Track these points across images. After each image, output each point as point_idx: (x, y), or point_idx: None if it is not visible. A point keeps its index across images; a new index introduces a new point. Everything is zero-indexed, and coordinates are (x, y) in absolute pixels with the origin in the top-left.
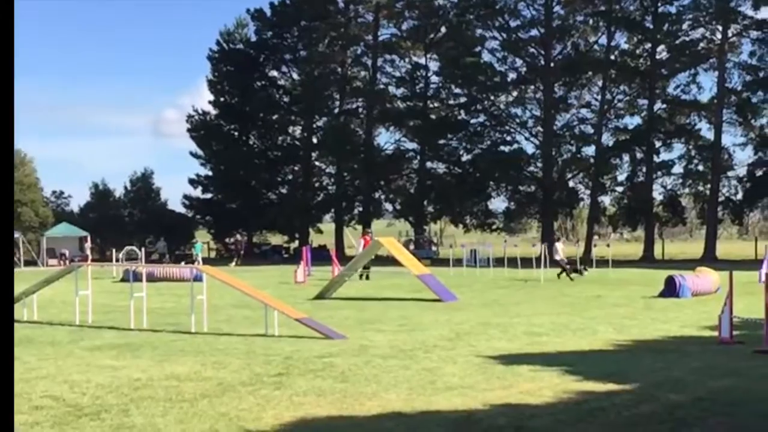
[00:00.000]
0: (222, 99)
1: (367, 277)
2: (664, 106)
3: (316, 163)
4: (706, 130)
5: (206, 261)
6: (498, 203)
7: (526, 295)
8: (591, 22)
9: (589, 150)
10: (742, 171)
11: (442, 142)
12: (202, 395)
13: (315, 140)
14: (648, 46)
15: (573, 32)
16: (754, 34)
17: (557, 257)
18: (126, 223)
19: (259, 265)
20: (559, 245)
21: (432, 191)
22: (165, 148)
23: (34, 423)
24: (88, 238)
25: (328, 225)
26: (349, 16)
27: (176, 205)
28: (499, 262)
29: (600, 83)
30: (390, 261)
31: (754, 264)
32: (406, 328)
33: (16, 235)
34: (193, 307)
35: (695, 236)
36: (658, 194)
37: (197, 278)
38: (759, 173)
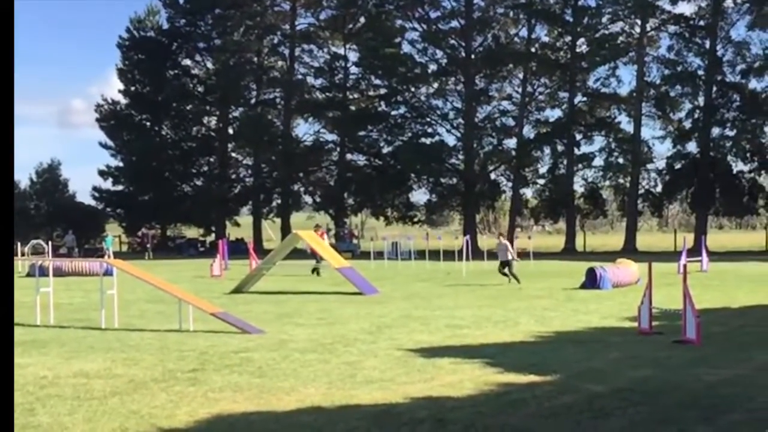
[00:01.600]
0: (133, 88)
1: (318, 273)
2: (585, 99)
3: (233, 154)
4: (626, 123)
5: (117, 255)
6: (419, 195)
7: (448, 287)
8: (511, 14)
9: (511, 142)
10: (661, 164)
11: (362, 133)
12: (113, 393)
13: (231, 131)
14: (568, 39)
15: (493, 24)
16: (672, 28)
17: (509, 257)
18: (32, 215)
19: (173, 259)
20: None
21: (352, 183)
22: (72, 138)
23: None
24: None
25: (245, 218)
26: (266, 5)
27: (85, 197)
28: (421, 254)
29: (521, 76)
30: (309, 254)
31: (674, 255)
32: (326, 321)
33: None
34: (104, 302)
35: (616, 228)
36: (579, 186)
37: (108, 272)
38: (678, 166)
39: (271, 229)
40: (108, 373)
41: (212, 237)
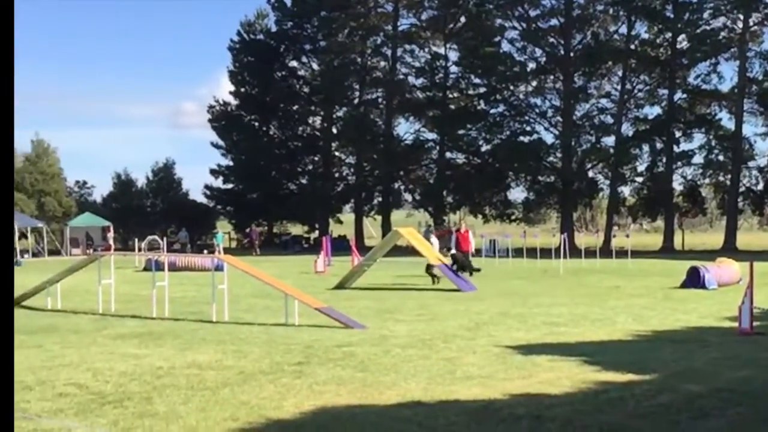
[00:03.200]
0: (242, 89)
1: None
2: (685, 95)
3: (336, 153)
4: (726, 120)
5: (227, 251)
6: (517, 193)
7: (545, 285)
8: (611, 11)
9: (609, 140)
10: (763, 161)
11: (461, 132)
12: (224, 383)
13: (335, 130)
14: (668, 35)
15: (593, 22)
16: None
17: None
18: (148, 212)
19: (279, 255)
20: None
21: (451, 181)
22: (184, 138)
23: (58, 410)
24: (111, 228)
25: (347, 215)
26: (369, 6)
27: (197, 195)
28: (518, 252)
29: (620, 73)
30: (409, 251)
31: None
32: (426, 318)
33: (40, 224)
34: (215, 297)
35: (715, 227)
36: (678, 184)
37: (218, 268)
38: None
39: (372, 226)
40: (219, 365)
41: (316, 234)
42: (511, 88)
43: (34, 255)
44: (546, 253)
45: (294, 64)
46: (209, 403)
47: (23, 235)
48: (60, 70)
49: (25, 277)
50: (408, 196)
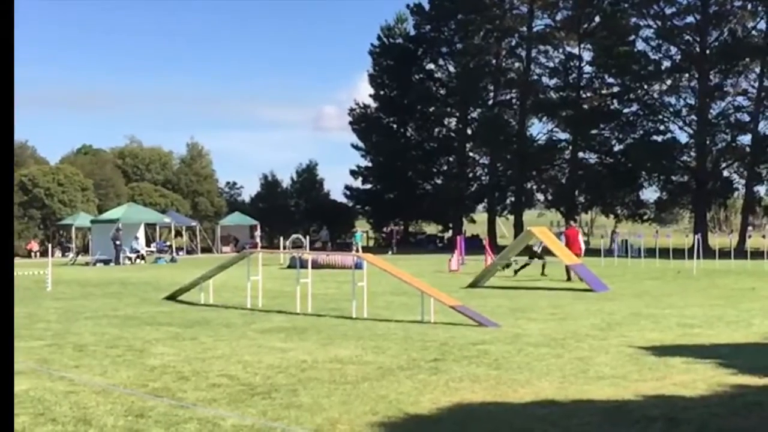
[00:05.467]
0: (381, 92)
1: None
2: None
3: (470, 153)
4: None
5: (364, 249)
6: (649, 193)
7: (678, 286)
8: (749, 6)
9: (745, 139)
10: None
11: (594, 132)
12: (364, 378)
13: (469, 131)
14: None
15: (730, 18)
16: None
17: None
18: (292, 212)
19: (414, 254)
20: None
21: (583, 181)
22: (325, 140)
23: (212, 400)
24: (258, 227)
25: (480, 215)
26: (505, 8)
27: (338, 195)
28: (650, 252)
29: (757, 70)
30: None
31: None
32: (558, 317)
33: (194, 223)
34: (354, 294)
35: None
36: None
37: (358, 266)
38: None
39: (504, 225)
40: (359, 360)
41: (450, 233)
42: (645, 87)
43: (188, 252)
44: (679, 253)
45: (431, 66)
46: (350, 396)
47: (178, 234)
48: (210, 75)
49: (180, 273)
50: (540, 196)
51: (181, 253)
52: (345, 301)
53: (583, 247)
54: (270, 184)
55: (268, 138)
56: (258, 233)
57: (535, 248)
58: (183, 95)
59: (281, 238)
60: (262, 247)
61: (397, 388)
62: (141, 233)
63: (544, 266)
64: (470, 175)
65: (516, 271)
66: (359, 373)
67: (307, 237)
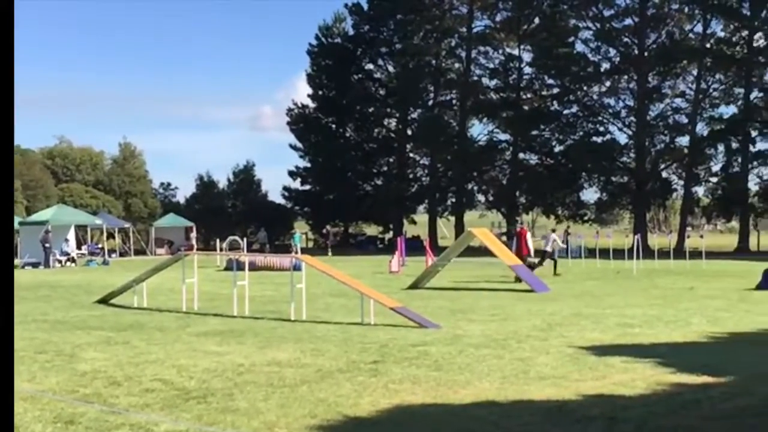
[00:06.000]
0: (320, 92)
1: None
2: (761, 94)
3: (411, 154)
4: None
5: (303, 251)
6: (590, 194)
7: (618, 286)
8: (686, 9)
9: (683, 140)
10: None
11: (534, 133)
12: (302, 381)
13: (409, 132)
14: (745, 33)
15: (668, 20)
16: None
17: (548, 248)
18: (229, 213)
19: (354, 255)
20: (554, 236)
21: (524, 182)
22: (263, 141)
23: (145, 405)
24: (194, 228)
25: (421, 216)
26: (444, 9)
27: (276, 196)
28: (590, 253)
29: (695, 72)
30: (482, 251)
31: None
32: (499, 318)
33: (127, 225)
34: (293, 296)
35: None
36: (753, 185)
37: (296, 267)
38: None
39: (445, 227)
40: (298, 363)
41: (390, 234)
42: (585, 88)
43: (121, 255)
44: (619, 254)
45: (370, 66)
46: (288, 399)
47: (111, 236)
48: (144, 75)
49: (112, 276)
50: (481, 197)
51: (113, 255)
52: (283, 303)
53: (531, 247)
54: (206, 185)
55: (203, 138)
56: (194, 235)
57: (547, 248)
58: (115, 95)
59: (218, 240)
60: (198, 249)
61: (336, 390)
62: (71, 235)
63: (555, 265)
64: (411, 175)
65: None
66: (297, 376)
67: (245, 239)
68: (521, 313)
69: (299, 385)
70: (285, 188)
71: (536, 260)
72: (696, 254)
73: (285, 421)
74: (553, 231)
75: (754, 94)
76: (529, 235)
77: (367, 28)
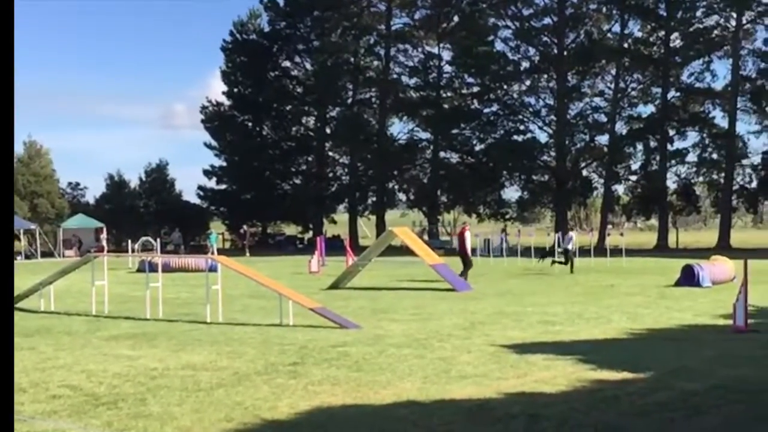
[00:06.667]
0: (235, 90)
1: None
2: (678, 94)
3: (330, 153)
4: (720, 118)
5: (220, 252)
6: (511, 193)
7: (540, 284)
8: (604, 10)
9: (603, 139)
10: (756, 159)
11: (455, 131)
12: (218, 384)
13: (328, 130)
14: (662, 33)
15: (586, 20)
16: None
17: (569, 246)
18: (141, 214)
19: (273, 256)
20: (573, 234)
21: (445, 181)
22: (176, 139)
23: (52, 412)
24: (104, 229)
25: (342, 215)
26: (362, 6)
27: (191, 196)
28: (512, 251)
29: (613, 72)
30: (404, 251)
31: None
32: (421, 317)
33: (33, 226)
34: (209, 297)
35: (709, 225)
36: (672, 183)
37: (212, 268)
38: None
39: (366, 226)
40: (213, 366)
41: (310, 234)
42: (505, 87)
43: (27, 257)
44: (541, 252)
45: (287, 64)
46: (203, 404)
47: (16, 237)
48: (52, 72)
49: (18, 278)
50: (402, 196)
51: (19, 257)
52: (199, 306)
53: (469, 247)
54: (116, 185)
55: (113, 137)
56: (104, 236)
57: (568, 246)
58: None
59: (129, 241)
60: (108, 251)
61: (253, 393)
62: None
63: (572, 264)
64: (330, 174)
65: (553, 262)
66: (213, 380)
67: (158, 239)
68: (443, 312)
69: (215, 388)
70: (200, 187)
71: (560, 259)
72: (616, 252)
73: (200, 426)
74: (571, 230)
75: (672, 93)
76: (468, 234)
77: (284, 24)
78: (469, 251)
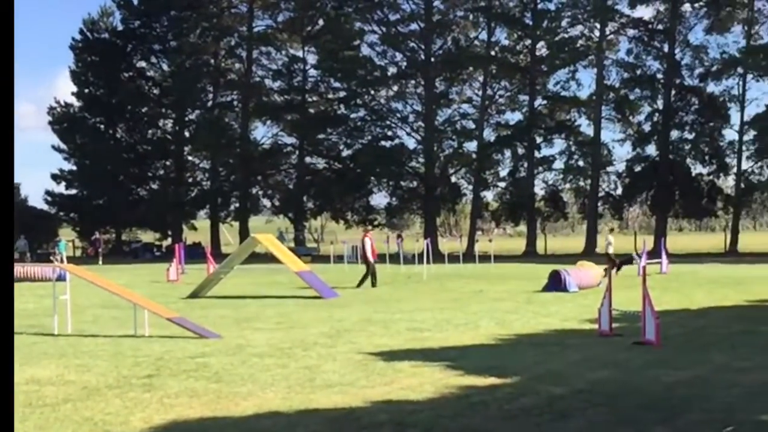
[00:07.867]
0: (86, 90)
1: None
2: (545, 102)
3: (189, 157)
4: (585, 126)
5: (71, 260)
6: (379, 199)
7: (409, 291)
8: (471, 17)
9: (471, 145)
10: (621, 166)
11: (321, 136)
12: (65, 399)
13: (187, 134)
14: (528, 42)
15: (453, 27)
16: (631, 32)
17: (610, 250)
18: None
19: (129, 264)
20: (611, 237)
21: (312, 187)
22: (21, 141)
23: None
24: None
25: (203, 222)
26: (222, 7)
27: (38, 201)
28: (381, 258)
29: (481, 79)
30: (268, 258)
31: None
32: (285, 326)
33: None
34: (56, 308)
35: (577, 231)
36: (539, 189)
37: (60, 277)
38: (637, 168)
39: (228, 233)
40: (61, 380)
41: (169, 241)
42: (372, 92)
43: None
44: (409, 258)
45: (142, 64)
46: (49, 420)
47: None
48: None
49: None
50: (267, 202)
51: None
52: (46, 317)
53: (369, 253)
54: None
55: None
56: None
57: (609, 250)
58: None
59: None
60: None
61: (104, 408)
62: None
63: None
64: (190, 179)
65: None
66: (60, 395)
67: None
68: (309, 320)
69: (62, 403)
70: (48, 192)
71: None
72: (485, 258)
73: None
74: (611, 231)
75: (538, 101)
76: (368, 241)
77: (138, 23)
78: (369, 257)
